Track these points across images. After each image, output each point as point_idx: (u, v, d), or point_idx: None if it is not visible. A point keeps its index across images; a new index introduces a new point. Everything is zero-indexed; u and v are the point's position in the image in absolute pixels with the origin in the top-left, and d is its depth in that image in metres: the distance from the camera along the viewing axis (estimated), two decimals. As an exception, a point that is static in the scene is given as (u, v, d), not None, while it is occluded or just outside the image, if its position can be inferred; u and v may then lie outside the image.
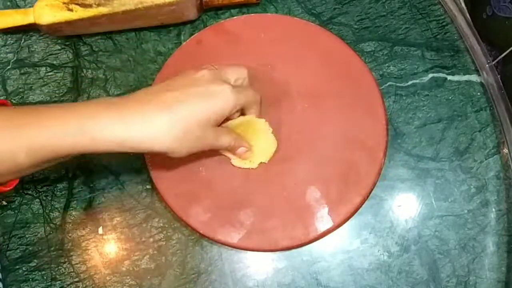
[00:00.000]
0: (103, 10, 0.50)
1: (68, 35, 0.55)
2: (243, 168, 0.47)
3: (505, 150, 0.48)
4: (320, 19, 0.54)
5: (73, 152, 0.36)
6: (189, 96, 0.38)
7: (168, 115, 0.37)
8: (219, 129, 0.42)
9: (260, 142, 0.46)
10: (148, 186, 0.49)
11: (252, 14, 0.54)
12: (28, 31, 0.56)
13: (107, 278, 0.47)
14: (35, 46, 0.55)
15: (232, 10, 0.55)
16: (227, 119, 0.44)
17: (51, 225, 0.49)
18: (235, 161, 0.46)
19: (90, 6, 0.50)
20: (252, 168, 0.46)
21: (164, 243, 0.47)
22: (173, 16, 0.52)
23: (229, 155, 0.46)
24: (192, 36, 0.52)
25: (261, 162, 0.46)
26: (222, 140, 0.42)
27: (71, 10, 0.50)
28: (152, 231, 0.48)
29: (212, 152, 0.48)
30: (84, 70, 0.54)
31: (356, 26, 0.53)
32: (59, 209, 0.49)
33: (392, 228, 0.47)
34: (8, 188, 0.39)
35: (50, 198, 0.49)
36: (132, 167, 0.50)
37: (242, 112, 0.45)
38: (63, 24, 0.51)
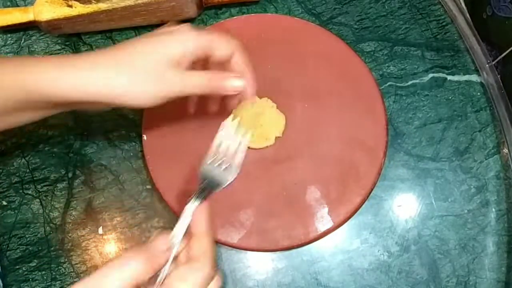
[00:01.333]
0: (102, 6, 0.50)
1: (68, 34, 0.55)
2: (261, 148, 0.47)
3: (505, 150, 0.48)
4: (320, 19, 0.54)
5: (28, 98, 0.36)
6: (144, 39, 0.37)
7: (114, 59, 0.36)
8: (187, 71, 0.38)
9: (268, 119, 0.48)
10: (148, 186, 0.49)
11: (252, 14, 0.54)
12: (28, 30, 0.56)
13: (107, 278, 0.47)
14: (35, 46, 0.55)
15: (232, 10, 0.55)
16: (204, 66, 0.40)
17: (51, 225, 0.49)
18: (253, 143, 0.47)
19: (89, 2, 0.50)
20: (269, 146, 0.47)
21: (164, 243, 0.47)
22: (173, 13, 0.52)
23: (247, 137, 0.42)
24: (192, 36, 0.52)
25: (276, 137, 0.47)
26: (193, 78, 0.38)
27: (70, 6, 0.50)
28: (152, 231, 0.48)
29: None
30: (84, 70, 0.54)
31: (356, 26, 0.53)
32: (59, 209, 0.49)
33: (392, 228, 0.47)
34: None
35: (50, 198, 0.49)
36: (132, 167, 0.50)
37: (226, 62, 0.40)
38: (63, 21, 0.51)
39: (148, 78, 0.36)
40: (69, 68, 0.35)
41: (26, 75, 0.35)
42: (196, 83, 0.38)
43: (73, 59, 0.36)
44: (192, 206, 0.35)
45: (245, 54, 0.40)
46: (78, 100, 0.36)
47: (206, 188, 0.37)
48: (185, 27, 0.38)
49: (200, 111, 0.46)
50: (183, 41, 0.37)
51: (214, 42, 0.38)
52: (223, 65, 0.40)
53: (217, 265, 0.35)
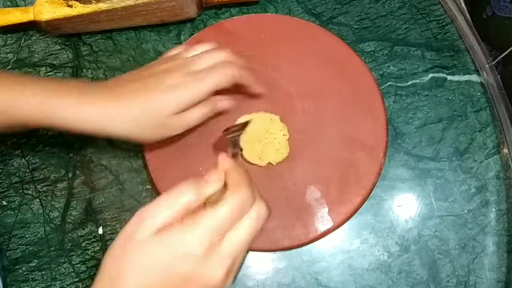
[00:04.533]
0: (102, 6, 0.50)
1: (68, 34, 0.55)
2: (250, 164, 0.46)
3: (505, 150, 0.48)
4: (320, 19, 0.54)
5: (29, 121, 0.40)
6: (141, 91, 0.40)
7: (120, 104, 0.40)
8: (186, 112, 0.42)
9: (273, 142, 0.47)
10: (148, 186, 0.49)
11: (252, 14, 0.54)
12: (28, 30, 0.56)
13: (107, 278, 0.47)
14: (35, 46, 0.55)
15: (232, 10, 0.55)
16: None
17: (51, 225, 0.49)
18: (246, 154, 0.46)
19: (89, 2, 0.50)
20: (260, 166, 0.46)
21: (164, 243, 0.47)
22: (173, 13, 0.52)
23: (241, 147, 0.46)
24: (192, 36, 0.52)
25: (269, 163, 0.46)
26: (191, 119, 0.42)
27: (70, 6, 0.50)
28: (152, 231, 0.48)
29: (212, 152, 0.48)
30: (84, 70, 0.54)
31: (356, 26, 0.53)
32: (59, 209, 0.49)
33: (392, 228, 0.47)
34: None
35: (50, 198, 0.49)
36: (132, 167, 0.50)
37: (241, 88, 0.46)
38: (63, 21, 0.51)
39: (147, 125, 0.40)
40: (87, 106, 0.40)
41: (49, 112, 0.39)
42: (195, 119, 0.42)
43: (91, 96, 0.40)
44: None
45: (240, 64, 0.44)
46: (90, 133, 0.40)
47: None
48: (185, 84, 0.41)
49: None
50: (184, 96, 0.40)
51: (224, 82, 0.42)
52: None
53: (260, 197, 0.35)
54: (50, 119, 0.39)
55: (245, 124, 0.44)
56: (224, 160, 0.36)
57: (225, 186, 0.35)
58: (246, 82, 0.45)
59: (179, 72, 0.41)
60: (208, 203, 0.33)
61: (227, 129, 0.43)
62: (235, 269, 0.33)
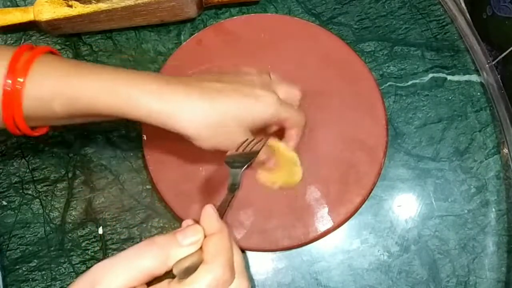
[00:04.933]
0: (102, 6, 0.50)
1: (68, 34, 0.55)
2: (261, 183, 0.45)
3: (505, 150, 0.48)
4: (320, 19, 0.54)
5: (106, 111, 0.36)
6: (232, 92, 0.38)
7: (207, 103, 0.37)
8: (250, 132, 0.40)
9: (287, 169, 0.45)
10: (148, 186, 0.49)
11: (252, 14, 0.54)
12: (28, 30, 0.56)
13: (107, 278, 0.47)
14: (35, 46, 0.55)
15: (232, 10, 0.55)
16: (264, 130, 0.43)
17: (51, 225, 0.49)
18: (262, 175, 0.45)
19: (89, 2, 0.50)
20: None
21: (164, 243, 0.47)
22: (173, 13, 0.52)
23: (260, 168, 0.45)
24: (192, 36, 0.52)
25: (278, 185, 0.45)
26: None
27: (70, 6, 0.50)
28: (152, 231, 0.48)
29: (213, 152, 0.48)
30: (84, 70, 0.54)
31: (356, 26, 0.53)
32: (59, 209, 0.49)
33: (392, 228, 0.47)
34: (37, 134, 0.39)
35: (50, 198, 0.49)
36: (132, 167, 0.50)
37: (282, 133, 0.44)
38: (63, 21, 0.51)
39: (220, 130, 0.38)
40: (168, 100, 0.36)
41: (127, 105, 0.36)
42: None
43: (172, 89, 0.37)
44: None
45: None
46: (153, 124, 0.37)
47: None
48: (271, 97, 0.40)
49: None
50: (265, 110, 0.39)
51: (289, 121, 0.42)
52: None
53: (244, 271, 0.31)
54: (135, 110, 0.36)
55: (252, 154, 0.38)
56: (207, 218, 0.31)
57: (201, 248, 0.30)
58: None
59: (269, 89, 0.40)
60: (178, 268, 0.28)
61: (229, 155, 0.39)
62: None
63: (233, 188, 0.35)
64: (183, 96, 0.37)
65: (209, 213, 0.32)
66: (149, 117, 0.36)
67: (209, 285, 0.28)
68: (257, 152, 0.38)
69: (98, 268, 0.28)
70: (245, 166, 0.36)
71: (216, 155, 0.47)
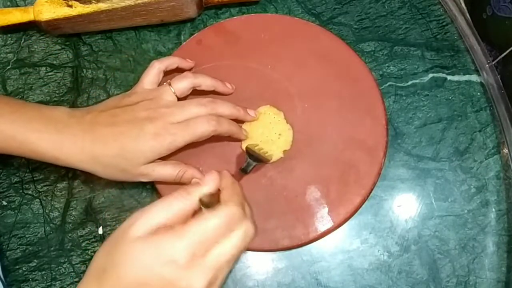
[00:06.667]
0: (102, 6, 0.50)
1: (68, 34, 0.55)
2: (263, 163, 0.47)
3: (505, 150, 0.48)
4: (320, 19, 0.54)
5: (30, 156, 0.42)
6: (125, 134, 0.41)
7: (97, 146, 0.41)
8: (156, 164, 0.43)
9: (280, 132, 0.48)
10: (148, 186, 0.49)
11: (252, 14, 0.54)
12: (28, 30, 0.56)
13: (107, 278, 0.47)
14: (35, 46, 0.55)
15: (232, 10, 0.55)
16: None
17: (51, 225, 0.49)
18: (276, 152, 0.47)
19: (89, 2, 0.50)
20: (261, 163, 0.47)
21: (164, 243, 0.47)
22: (173, 13, 0.52)
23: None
24: (192, 36, 0.52)
25: (284, 150, 0.47)
26: (159, 173, 0.43)
27: (70, 6, 0.50)
28: (152, 231, 0.48)
29: (212, 152, 0.48)
30: (84, 70, 0.54)
31: (356, 26, 0.53)
32: (59, 209, 0.49)
33: (392, 228, 0.47)
34: None
35: (50, 198, 0.49)
36: (132, 167, 0.50)
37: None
38: (63, 21, 0.51)
39: (109, 167, 0.42)
40: (68, 142, 0.41)
41: (30, 144, 0.42)
42: (166, 175, 0.44)
43: (71, 131, 0.41)
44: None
45: (224, 112, 0.45)
46: (56, 164, 0.42)
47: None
48: (163, 134, 0.41)
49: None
50: (162, 145, 0.41)
51: (207, 132, 0.43)
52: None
53: (253, 219, 0.36)
54: (30, 150, 0.42)
55: (266, 158, 0.46)
56: (225, 176, 0.39)
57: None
58: (229, 133, 0.45)
59: (161, 121, 0.41)
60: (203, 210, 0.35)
61: (250, 147, 0.44)
62: (217, 284, 0.33)
63: (244, 171, 0.44)
64: (79, 143, 0.41)
65: (226, 173, 0.40)
66: (36, 155, 0.42)
67: (226, 218, 0.33)
68: (269, 161, 0.46)
69: (141, 211, 0.34)
70: (257, 163, 0.45)
71: (216, 155, 0.47)
